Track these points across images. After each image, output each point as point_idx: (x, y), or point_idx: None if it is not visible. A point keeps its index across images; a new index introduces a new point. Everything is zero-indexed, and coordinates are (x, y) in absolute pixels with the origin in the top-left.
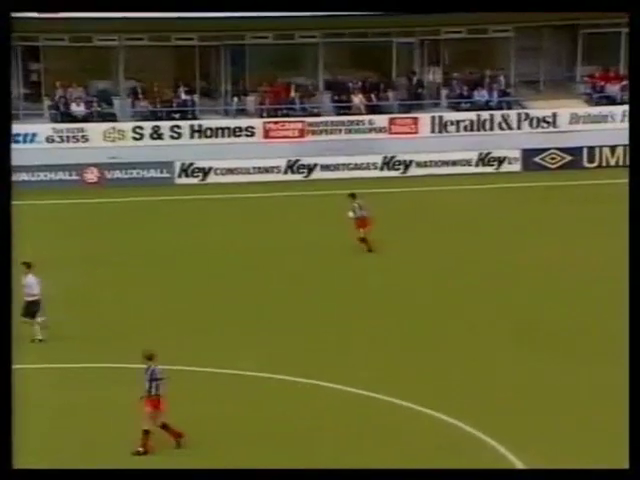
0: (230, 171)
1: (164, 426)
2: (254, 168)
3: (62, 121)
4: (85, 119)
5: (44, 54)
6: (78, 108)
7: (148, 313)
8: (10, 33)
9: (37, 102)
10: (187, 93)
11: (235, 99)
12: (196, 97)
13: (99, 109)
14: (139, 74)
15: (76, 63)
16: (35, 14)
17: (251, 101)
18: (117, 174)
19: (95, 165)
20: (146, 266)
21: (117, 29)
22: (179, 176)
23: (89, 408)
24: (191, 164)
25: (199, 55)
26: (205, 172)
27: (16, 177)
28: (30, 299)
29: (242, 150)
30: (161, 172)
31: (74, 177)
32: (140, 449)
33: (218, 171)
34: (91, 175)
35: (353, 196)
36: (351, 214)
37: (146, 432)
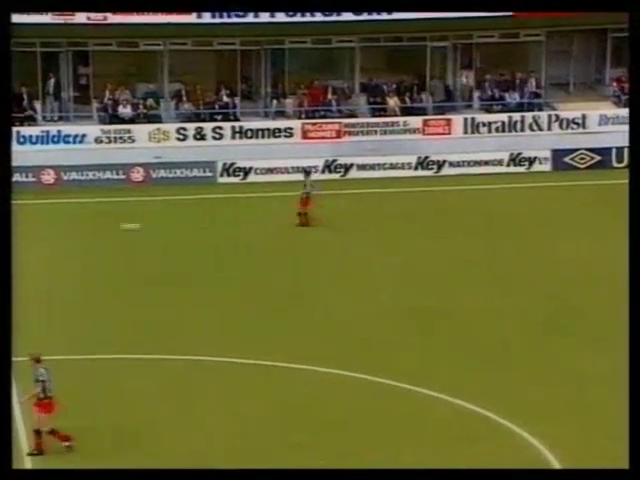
0: (270, 170)
1: (52, 432)
2: (292, 168)
3: (110, 122)
4: (132, 120)
5: (93, 58)
6: (125, 110)
7: (192, 310)
8: (10, 33)
9: (86, 104)
10: (228, 95)
11: (275, 101)
12: (237, 99)
13: (145, 111)
14: (183, 77)
15: (123, 67)
16: (85, 20)
17: (290, 103)
18: (162, 173)
19: (141, 165)
20: (192, 261)
21: (162, 34)
22: (221, 175)
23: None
24: (232, 164)
25: (240, 59)
26: (246, 172)
27: (67, 176)
28: None
29: (281, 150)
30: (204, 171)
31: (121, 176)
32: (34, 450)
33: (258, 170)
34: (137, 174)
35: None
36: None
37: (38, 432)
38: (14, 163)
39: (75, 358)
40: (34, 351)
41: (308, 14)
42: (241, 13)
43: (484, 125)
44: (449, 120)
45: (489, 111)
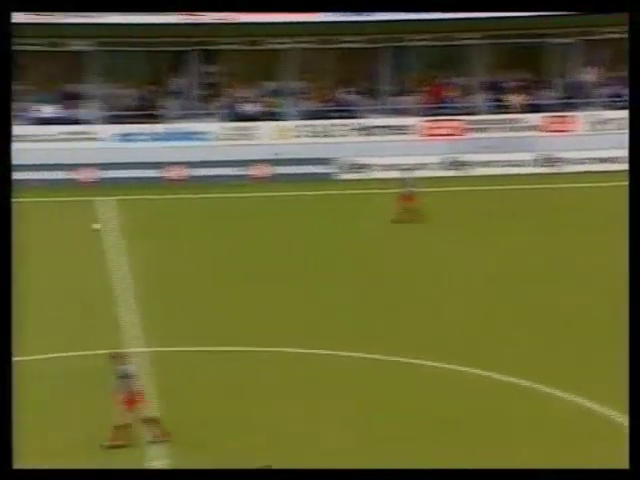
0: (390, 167)
1: (146, 420)
2: (413, 165)
3: (233, 120)
4: (255, 118)
5: (220, 57)
6: (249, 107)
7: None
8: (10, 33)
9: (211, 102)
10: (350, 93)
11: (395, 98)
12: (358, 97)
13: (268, 108)
14: (305, 75)
15: (248, 65)
16: (213, 20)
17: (411, 100)
18: (282, 170)
19: (262, 161)
20: (306, 257)
21: (287, 33)
22: (341, 172)
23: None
24: (353, 160)
25: (362, 56)
26: (365, 168)
27: (192, 172)
28: None
29: (401, 147)
30: (325, 168)
31: (242, 172)
32: (115, 442)
33: (377, 167)
34: (258, 171)
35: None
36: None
37: (121, 427)
38: (143, 159)
39: (199, 350)
40: (116, 350)
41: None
42: (365, 12)
43: (606, 122)
44: (570, 117)
45: (612, 108)
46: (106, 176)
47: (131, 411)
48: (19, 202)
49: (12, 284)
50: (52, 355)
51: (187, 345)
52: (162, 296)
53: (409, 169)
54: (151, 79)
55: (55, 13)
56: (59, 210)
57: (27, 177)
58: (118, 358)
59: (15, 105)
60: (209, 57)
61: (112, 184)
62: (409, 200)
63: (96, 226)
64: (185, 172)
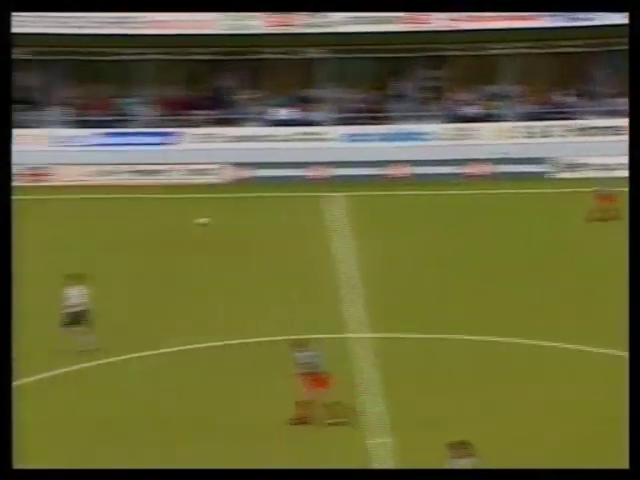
0: (604, 167)
1: (328, 404)
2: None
3: (454, 121)
4: (475, 119)
5: (443, 63)
6: (469, 109)
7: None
8: (10, 33)
9: (434, 105)
10: (566, 95)
11: (611, 100)
12: (574, 98)
13: (487, 110)
14: (523, 78)
15: (469, 70)
16: (441, 27)
17: (622, 102)
18: (502, 169)
19: (483, 160)
20: (511, 253)
21: (507, 39)
22: (557, 171)
23: None
24: (568, 160)
25: (578, 60)
26: (581, 167)
27: (414, 170)
28: (71, 310)
29: (616, 148)
30: (541, 167)
31: (460, 171)
32: (297, 420)
33: (593, 167)
34: (477, 169)
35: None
36: None
37: (303, 404)
38: (369, 158)
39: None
40: (299, 339)
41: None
42: (583, 16)
43: None
44: None
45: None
46: (335, 174)
47: (314, 393)
48: (259, 197)
49: (12, 282)
50: (277, 338)
51: (409, 332)
52: (386, 285)
53: (608, 169)
54: (377, 84)
55: (294, 24)
56: (291, 205)
57: (264, 174)
58: (299, 344)
59: (254, 109)
60: (432, 62)
61: (340, 181)
62: (608, 200)
63: (201, 220)
64: (408, 170)
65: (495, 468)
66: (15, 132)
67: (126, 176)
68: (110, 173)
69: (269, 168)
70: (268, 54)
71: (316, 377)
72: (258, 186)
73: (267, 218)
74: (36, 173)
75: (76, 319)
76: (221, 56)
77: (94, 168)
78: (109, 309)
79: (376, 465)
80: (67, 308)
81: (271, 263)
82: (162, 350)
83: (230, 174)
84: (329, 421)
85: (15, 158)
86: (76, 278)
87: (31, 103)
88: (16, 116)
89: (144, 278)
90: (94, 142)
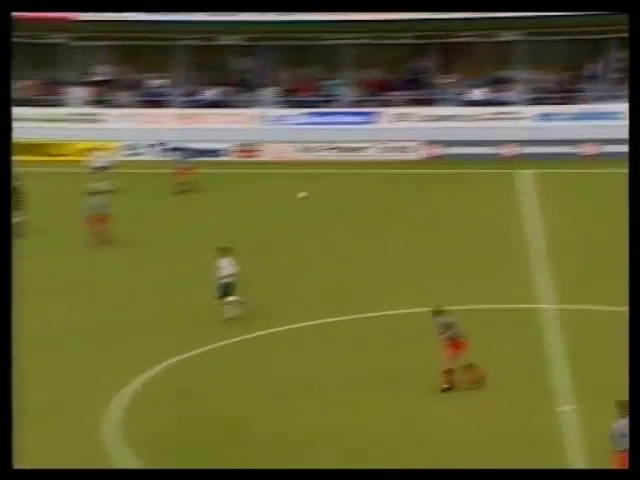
0: None
1: (465, 367)
2: None
3: None
4: None
5: None
6: None
7: None
8: (10, 33)
9: (624, 85)
10: None
11: None
12: None
13: None
14: None
15: None
16: None
17: None
18: None
19: None
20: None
21: None
22: None
23: None
24: None
25: None
26: None
27: (606, 149)
28: (224, 281)
29: None
30: None
31: None
32: (445, 386)
33: None
34: None
35: None
36: None
37: (448, 371)
38: (560, 137)
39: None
40: (436, 305)
41: None
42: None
43: None
44: None
45: None
46: (526, 152)
47: (455, 358)
48: (451, 174)
49: (11, 280)
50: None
51: (598, 304)
52: (575, 259)
53: None
54: (569, 65)
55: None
56: (483, 181)
57: (457, 152)
58: (439, 312)
59: (449, 90)
60: (623, 44)
61: (531, 159)
62: None
63: (302, 194)
64: (598, 149)
65: (495, 468)
66: (230, 112)
67: (328, 153)
68: (313, 150)
69: (462, 146)
70: (464, 37)
71: (454, 342)
72: (451, 163)
73: (460, 193)
74: (247, 149)
75: (227, 290)
76: (419, 40)
77: (299, 145)
78: (271, 281)
79: (565, 430)
80: (220, 279)
81: (465, 236)
82: (337, 318)
83: (425, 151)
84: (470, 385)
85: (229, 135)
86: (226, 251)
87: (245, 85)
88: (231, 97)
89: (341, 251)
90: (300, 121)
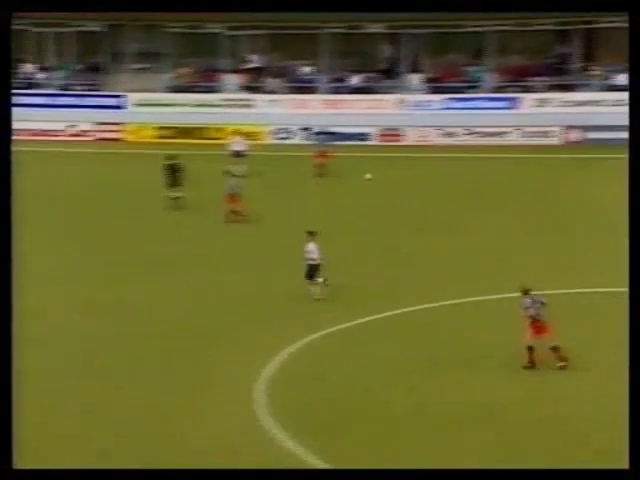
0: None
1: (553, 348)
2: None
3: None
4: None
5: None
6: None
7: None
8: (10, 33)
9: None
10: None
11: None
12: None
13: None
14: None
15: None
16: None
17: None
18: None
19: None
20: None
21: None
22: None
23: None
24: None
25: None
26: None
27: None
28: (311, 263)
29: None
30: None
31: None
32: (528, 364)
33: None
34: None
35: None
36: None
37: (530, 349)
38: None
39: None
40: (525, 285)
41: None
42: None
43: None
44: None
45: None
46: None
47: (538, 338)
48: (593, 158)
49: (11, 278)
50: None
51: None
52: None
53: None
54: None
55: None
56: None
57: (596, 137)
58: (526, 292)
59: (590, 75)
60: None
61: None
62: None
63: (368, 176)
64: None
65: (495, 468)
66: (374, 97)
67: (469, 137)
68: (455, 135)
69: (604, 131)
70: (607, 23)
71: (538, 324)
72: (592, 148)
73: (601, 178)
74: (390, 134)
75: (312, 272)
76: (562, 26)
77: (440, 130)
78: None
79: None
80: (307, 261)
81: (605, 222)
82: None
83: (566, 136)
84: (560, 364)
85: (373, 120)
86: (313, 234)
87: (389, 72)
88: (375, 83)
89: (481, 231)
90: (443, 106)
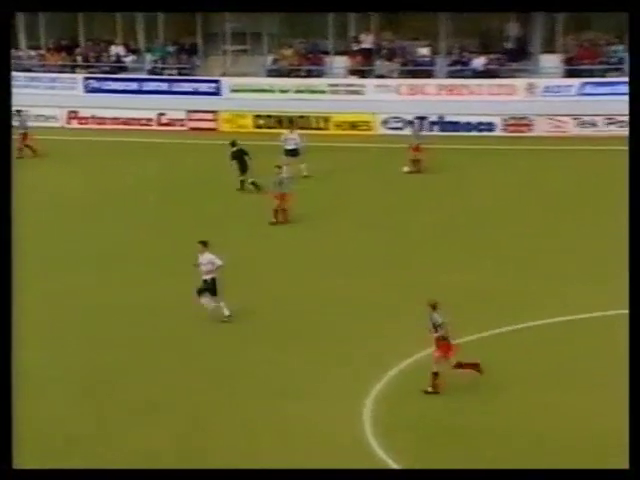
0: None
1: (458, 365)
2: None
3: None
4: None
5: None
6: None
7: None
8: (10, 33)
9: None
10: None
11: None
12: None
13: None
14: None
15: None
16: None
17: None
18: None
19: None
20: None
21: None
22: None
23: None
24: None
25: None
26: None
27: None
28: (206, 277)
29: None
30: None
31: None
32: (429, 389)
33: None
34: None
35: None
36: None
37: (435, 374)
38: None
39: None
40: (431, 298)
41: None
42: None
43: None
44: None
45: None
46: None
47: (446, 360)
48: None
49: (11, 276)
50: None
51: None
52: None
53: None
54: None
55: None
56: None
57: None
58: (434, 307)
59: None
60: None
61: None
62: None
63: (406, 169)
64: None
65: (495, 468)
66: (499, 82)
67: (609, 128)
68: (593, 124)
69: None
70: None
71: (446, 343)
72: None
73: None
74: (517, 123)
75: (208, 287)
76: None
77: (576, 119)
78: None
79: None
80: (203, 275)
81: None
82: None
83: None
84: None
85: (498, 108)
86: (205, 245)
87: (517, 53)
88: (501, 66)
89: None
90: (580, 92)
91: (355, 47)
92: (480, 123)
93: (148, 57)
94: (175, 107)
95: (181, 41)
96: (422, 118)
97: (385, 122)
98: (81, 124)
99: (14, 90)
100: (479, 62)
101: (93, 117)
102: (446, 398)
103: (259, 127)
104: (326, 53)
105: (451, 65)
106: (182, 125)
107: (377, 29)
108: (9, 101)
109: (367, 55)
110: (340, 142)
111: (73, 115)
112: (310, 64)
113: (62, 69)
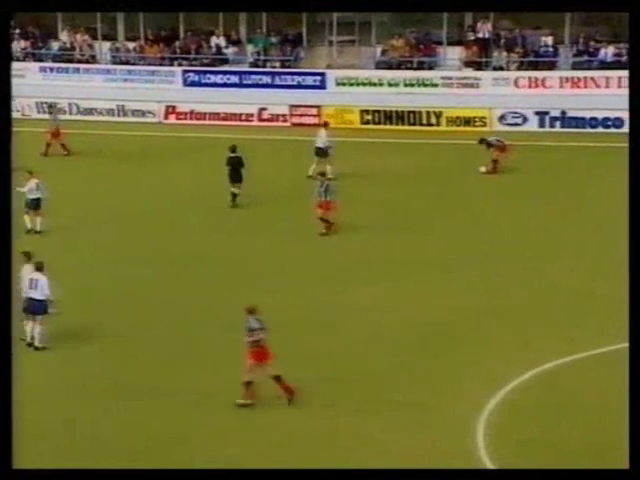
0: None
1: (276, 378)
2: None
3: None
4: None
5: None
6: None
7: None
8: (9, 33)
9: None
10: None
11: None
12: None
13: None
14: None
15: None
16: None
17: None
18: None
19: None
20: None
21: None
22: None
23: None
24: None
25: None
26: None
27: None
28: (26, 295)
29: None
30: None
31: None
32: (240, 401)
33: None
34: None
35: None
36: None
37: (248, 384)
38: None
39: None
40: (250, 304)
41: None
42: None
43: None
44: None
45: None
46: None
47: (259, 367)
48: None
49: (11, 275)
50: None
51: None
52: None
53: None
54: None
55: None
56: None
57: None
58: (251, 312)
59: None
60: None
61: None
62: None
63: (482, 169)
64: None
65: (495, 468)
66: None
67: None
68: None
69: None
70: None
71: (260, 349)
72: None
73: None
74: None
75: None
76: None
77: None
78: None
79: None
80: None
81: None
82: None
83: None
84: (287, 397)
85: (627, 103)
86: (28, 256)
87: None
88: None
89: None
90: None
91: (471, 37)
92: (607, 119)
93: (250, 48)
94: (277, 102)
95: (285, 31)
96: (544, 113)
97: (502, 118)
98: (179, 119)
99: (111, 84)
100: (608, 52)
101: (192, 112)
102: None
103: (366, 123)
104: (439, 43)
105: (576, 55)
106: (284, 121)
107: (495, 17)
108: (9, 101)
109: (484, 45)
110: (453, 139)
111: (171, 110)
112: (422, 55)
113: (161, 62)
